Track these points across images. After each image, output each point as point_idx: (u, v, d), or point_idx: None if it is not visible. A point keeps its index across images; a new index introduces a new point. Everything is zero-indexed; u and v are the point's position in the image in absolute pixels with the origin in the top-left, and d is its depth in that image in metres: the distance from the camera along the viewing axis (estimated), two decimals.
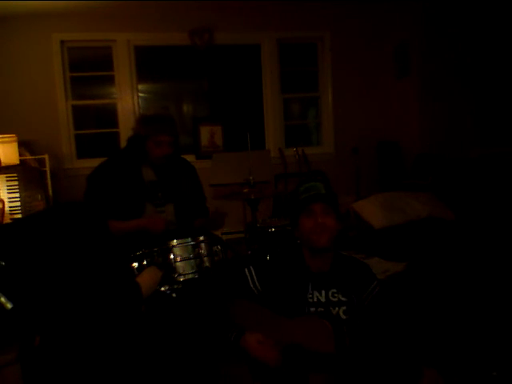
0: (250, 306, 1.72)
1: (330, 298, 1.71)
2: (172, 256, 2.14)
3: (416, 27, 5.08)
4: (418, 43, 5.07)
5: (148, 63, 5.16)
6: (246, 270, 1.79)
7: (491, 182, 4.17)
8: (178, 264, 2.14)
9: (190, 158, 3.31)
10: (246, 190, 2.91)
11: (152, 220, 2.39)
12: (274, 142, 5.38)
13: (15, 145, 3.77)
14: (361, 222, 3.83)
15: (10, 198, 3.56)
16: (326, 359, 1.54)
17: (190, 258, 2.17)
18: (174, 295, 2.09)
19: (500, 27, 4.89)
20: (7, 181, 3.61)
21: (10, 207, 3.54)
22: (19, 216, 3.53)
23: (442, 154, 4.78)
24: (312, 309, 1.70)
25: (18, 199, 3.59)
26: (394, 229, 3.64)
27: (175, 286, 2.10)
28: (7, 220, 3.48)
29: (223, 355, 1.62)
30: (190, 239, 2.19)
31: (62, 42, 4.80)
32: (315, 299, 1.71)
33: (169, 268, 2.11)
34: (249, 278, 1.77)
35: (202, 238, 2.22)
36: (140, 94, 5.13)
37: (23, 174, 3.68)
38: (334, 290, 1.72)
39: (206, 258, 2.20)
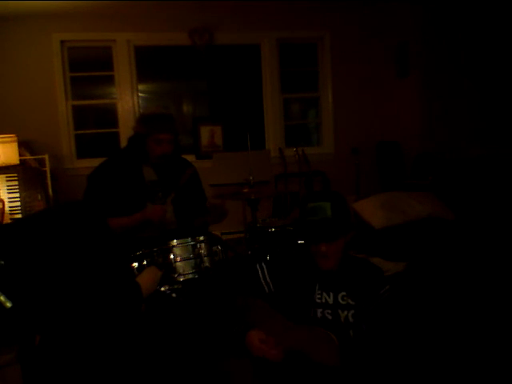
0: (261, 306, 1.69)
1: (340, 300, 1.68)
2: (172, 256, 2.14)
3: (416, 27, 5.08)
4: (418, 43, 5.07)
5: (148, 63, 5.15)
6: (258, 265, 1.79)
7: (491, 181, 4.17)
8: (177, 264, 2.14)
9: (190, 157, 3.31)
10: (245, 190, 2.91)
11: (151, 209, 2.40)
12: (274, 142, 5.38)
13: (15, 145, 3.77)
14: (361, 222, 3.83)
15: (9, 198, 3.56)
16: (329, 371, 1.52)
17: (189, 258, 2.17)
18: (173, 295, 2.09)
19: (499, 27, 4.89)
20: (7, 181, 3.61)
21: (10, 207, 3.53)
22: (19, 216, 3.52)
23: (442, 154, 4.78)
24: (319, 309, 1.67)
25: (18, 199, 3.58)
26: (394, 229, 3.64)
27: (175, 286, 2.10)
28: (7, 220, 3.47)
29: (224, 351, 1.62)
30: (189, 239, 2.19)
31: (62, 42, 4.80)
32: (323, 300, 1.68)
33: (169, 268, 2.11)
34: (260, 273, 1.76)
35: (201, 238, 2.22)
36: (140, 94, 5.13)
37: (23, 173, 3.68)
38: (344, 293, 1.68)
39: (205, 258, 2.20)
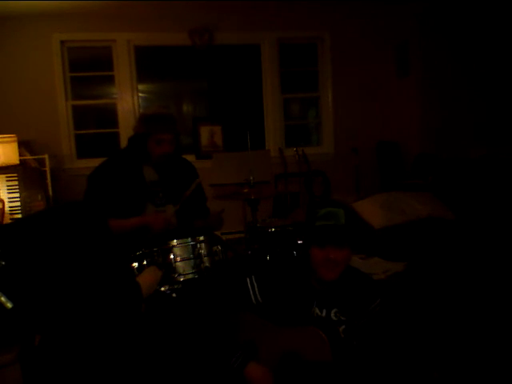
0: (250, 318, 1.70)
1: (332, 317, 1.67)
2: (172, 256, 2.14)
3: (416, 27, 5.08)
4: (418, 43, 5.07)
5: (148, 63, 5.15)
6: (248, 279, 1.72)
7: (491, 182, 4.17)
8: (178, 264, 2.14)
9: (190, 157, 3.31)
10: (245, 190, 2.91)
11: (153, 217, 2.39)
12: (274, 142, 5.38)
13: (15, 145, 3.77)
14: (361, 222, 3.83)
15: (9, 198, 3.56)
16: (323, 369, 1.52)
17: (189, 258, 2.17)
18: (174, 295, 2.09)
19: (499, 27, 4.90)
20: (7, 181, 3.61)
21: (10, 207, 3.53)
22: (19, 216, 3.52)
23: (442, 154, 4.78)
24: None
25: (18, 199, 3.58)
26: (393, 229, 3.64)
27: (175, 286, 2.11)
28: (7, 220, 3.47)
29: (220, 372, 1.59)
30: (189, 239, 2.20)
31: (62, 42, 4.80)
32: (315, 315, 1.67)
33: (169, 268, 2.12)
34: (250, 288, 1.70)
35: (201, 238, 2.22)
36: (140, 94, 5.13)
37: (23, 173, 3.68)
38: (336, 310, 1.68)
39: (205, 258, 2.20)
